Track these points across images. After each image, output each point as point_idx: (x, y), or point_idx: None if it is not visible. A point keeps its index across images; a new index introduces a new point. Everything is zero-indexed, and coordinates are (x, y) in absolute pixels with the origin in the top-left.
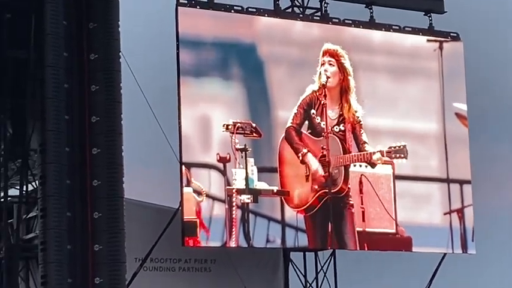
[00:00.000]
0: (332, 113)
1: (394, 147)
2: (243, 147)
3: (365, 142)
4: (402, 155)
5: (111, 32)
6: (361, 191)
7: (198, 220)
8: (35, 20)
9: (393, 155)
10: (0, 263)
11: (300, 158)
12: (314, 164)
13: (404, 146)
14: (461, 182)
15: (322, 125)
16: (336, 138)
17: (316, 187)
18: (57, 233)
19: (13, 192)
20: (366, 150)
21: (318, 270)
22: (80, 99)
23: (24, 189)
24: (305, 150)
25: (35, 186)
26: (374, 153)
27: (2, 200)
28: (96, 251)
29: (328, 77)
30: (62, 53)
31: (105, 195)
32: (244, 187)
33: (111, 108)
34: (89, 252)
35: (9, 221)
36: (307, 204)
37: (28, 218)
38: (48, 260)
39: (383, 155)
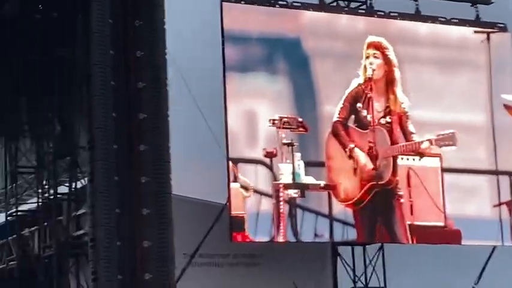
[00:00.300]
0: (378, 106)
1: (443, 135)
2: (290, 141)
3: (412, 133)
4: (451, 142)
5: (157, 29)
6: (409, 184)
7: (245, 215)
8: (82, 18)
9: (442, 143)
10: (50, 260)
11: (348, 153)
12: (362, 158)
13: (454, 133)
14: (511, 174)
15: (368, 118)
16: (383, 130)
17: (364, 180)
18: (106, 229)
19: (62, 189)
20: (413, 141)
21: (367, 264)
22: (127, 96)
23: (73, 186)
24: (352, 145)
25: (84, 184)
26: (422, 142)
27: (52, 197)
28: (145, 247)
29: (373, 70)
30: (108, 51)
31: (153, 191)
32: (291, 182)
33: (158, 105)
34: (138, 249)
35: (59, 218)
36: (356, 198)
37: (77, 215)
38: (98, 256)
39: (432, 144)
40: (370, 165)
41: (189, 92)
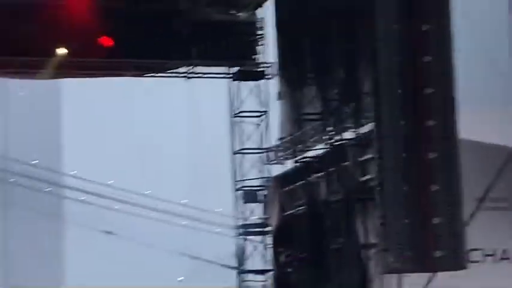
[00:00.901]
0: None
1: None
2: None
3: None
4: None
5: None
6: None
7: None
8: None
9: None
10: (338, 205)
11: None
12: None
13: None
14: None
15: None
16: None
17: None
18: (393, 174)
19: (347, 135)
20: None
21: None
22: (411, 40)
23: (358, 132)
24: None
25: (369, 129)
26: None
27: (337, 143)
28: (433, 191)
29: None
30: None
31: (440, 135)
32: None
33: (443, 47)
34: (425, 193)
35: (345, 164)
36: None
37: (363, 161)
38: (386, 201)
39: None
40: None
41: (476, 37)
